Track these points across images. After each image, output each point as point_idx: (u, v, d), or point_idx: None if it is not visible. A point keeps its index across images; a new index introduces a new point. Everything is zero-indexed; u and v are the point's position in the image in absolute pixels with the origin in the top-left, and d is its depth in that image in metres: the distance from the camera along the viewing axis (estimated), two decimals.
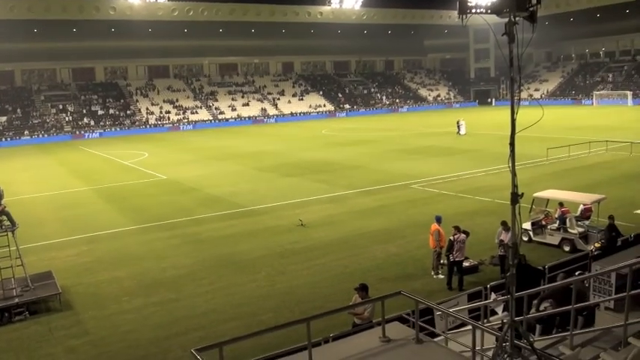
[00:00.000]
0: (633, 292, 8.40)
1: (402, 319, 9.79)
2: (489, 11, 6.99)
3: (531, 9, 6.78)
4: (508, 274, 7.29)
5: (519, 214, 7.05)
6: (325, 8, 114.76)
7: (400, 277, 18.27)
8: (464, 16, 7.03)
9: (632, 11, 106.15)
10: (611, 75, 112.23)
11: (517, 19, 6.79)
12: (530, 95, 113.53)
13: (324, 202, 30.13)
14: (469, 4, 7.05)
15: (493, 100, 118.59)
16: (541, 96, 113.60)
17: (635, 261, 9.22)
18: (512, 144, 6.89)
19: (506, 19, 6.79)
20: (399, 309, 10.95)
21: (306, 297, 16.88)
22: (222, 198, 32.24)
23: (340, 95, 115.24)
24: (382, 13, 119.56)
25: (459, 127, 58.67)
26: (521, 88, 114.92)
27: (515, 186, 6.97)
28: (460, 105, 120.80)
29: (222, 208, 29.37)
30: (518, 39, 6.77)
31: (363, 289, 12.50)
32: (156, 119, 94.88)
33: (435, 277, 18.10)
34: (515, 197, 6.96)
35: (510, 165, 6.97)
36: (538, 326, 11.05)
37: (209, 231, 25.17)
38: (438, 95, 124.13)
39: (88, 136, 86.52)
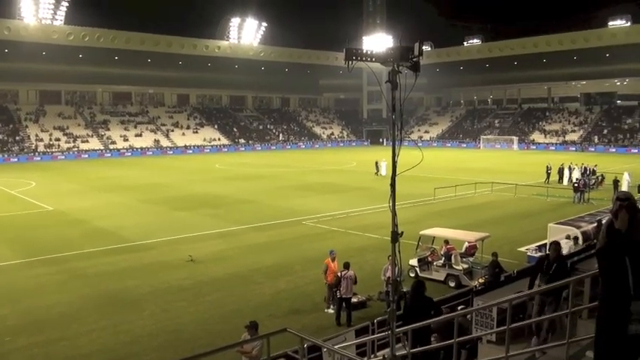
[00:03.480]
0: (513, 325, 8.80)
1: (288, 357, 9.82)
2: (374, 59, 7.31)
3: (414, 60, 7.14)
4: (389, 309, 7.53)
5: (399, 251, 7.32)
6: (223, 43, 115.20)
7: (290, 312, 18.32)
8: (350, 63, 7.29)
9: (519, 63, 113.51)
10: (497, 121, 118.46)
11: (401, 67, 7.14)
12: (420, 137, 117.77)
13: (215, 237, 29.83)
14: (355, 51, 7.34)
15: (384, 140, 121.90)
16: (430, 138, 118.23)
17: (515, 296, 9.68)
18: (392, 185, 7.19)
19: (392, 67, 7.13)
20: (288, 345, 10.98)
21: (194, 335, 16.57)
22: (109, 231, 31.26)
23: (235, 130, 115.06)
24: (279, 52, 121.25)
25: (378, 167, 58.87)
26: (412, 130, 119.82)
27: (395, 225, 7.25)
28: (354, 144, 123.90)
29: (110, 242, 28.44)
30: (401, 86, 7.10)
31: (253, 326, 12.43)
32: (45, 146, 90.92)
33: (326, 311, 18.32)
34: (396, 235, 7.24)
35: (391, 205, 7.24)
36: None
37: (96, 266, 24.27)
38: (332, 133, 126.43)
39: None
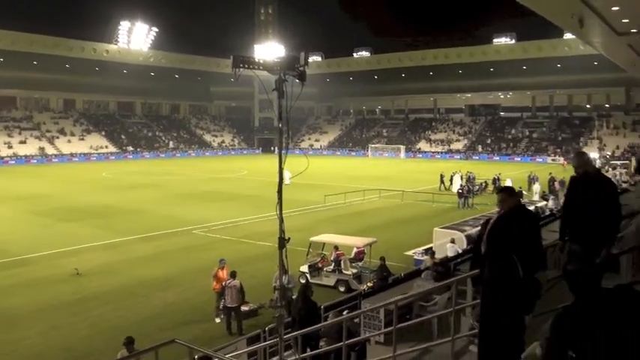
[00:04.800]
0: (400, 325, 9.13)
1: None
2: (262, 68, 7.44)
3: (300, 69, 7.32)
4: (277, 315, 7.67)
5: (286, 257, 7.49)
6: (112, 47, 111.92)
7: (181, 324, 18.12)
8: (237, 70, 7.36)
9: (407, 75, 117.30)
10: (386, 130, 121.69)
11: (287, 76, 7.30)
12: (311, 145, 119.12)
13: (102, 248, 29.00)
14: (243, 59, 7.42)
15: (276, 148, 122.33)
16: (321, 146, 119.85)
17: (400, 297, 10.05)
18: (279, 192, 7.38)
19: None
20: (178, 358, 10.85)
21: (83, 352, 16.10)
22: None
23: (123, 137, 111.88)
24: (169, 57, 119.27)
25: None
26: (303, 138, 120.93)
27: (282, 231, 7.42)
28: (246, 152, 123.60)
29: None
30: (288, 94, 7.26)
31: (130, 342, 12.26)
32: None
33: (217, 320, 18.30)
34: (283, 242, 7.41)
35: (278, 212, 7.41)
36: None
37: None
38: (223, 141, 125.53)
39: None
